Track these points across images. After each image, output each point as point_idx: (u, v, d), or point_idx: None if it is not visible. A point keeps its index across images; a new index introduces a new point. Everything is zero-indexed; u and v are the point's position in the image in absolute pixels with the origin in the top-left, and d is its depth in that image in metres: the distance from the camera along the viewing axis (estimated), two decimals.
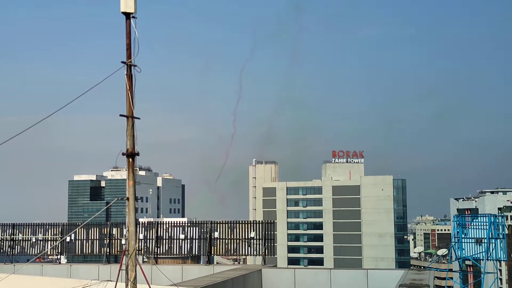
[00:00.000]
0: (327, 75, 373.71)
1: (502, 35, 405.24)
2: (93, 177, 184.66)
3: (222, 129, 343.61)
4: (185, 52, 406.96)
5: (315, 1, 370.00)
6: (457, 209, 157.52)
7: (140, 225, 37.90)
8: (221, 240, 36.96)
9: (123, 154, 12.49)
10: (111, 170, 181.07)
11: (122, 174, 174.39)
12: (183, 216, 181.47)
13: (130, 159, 12.41)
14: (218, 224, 38.39)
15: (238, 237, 36.43)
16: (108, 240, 37.28)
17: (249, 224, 38.71)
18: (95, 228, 39.05)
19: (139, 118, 12.68)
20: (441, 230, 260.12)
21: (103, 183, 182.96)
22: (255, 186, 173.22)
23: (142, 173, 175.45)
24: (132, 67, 12.64)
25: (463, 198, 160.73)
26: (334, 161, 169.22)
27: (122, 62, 12.73)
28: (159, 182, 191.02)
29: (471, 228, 41.46)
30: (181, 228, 40.19)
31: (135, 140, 12.41)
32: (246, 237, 36.21)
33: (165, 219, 77.01)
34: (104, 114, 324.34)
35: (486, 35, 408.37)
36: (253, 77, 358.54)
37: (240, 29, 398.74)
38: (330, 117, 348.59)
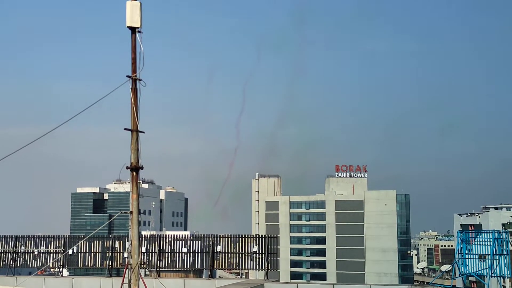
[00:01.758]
0: (330, 88, 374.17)
1: (504, 49, 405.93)
2: (96, 190, 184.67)
3: (225, 142, 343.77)
4: (189, 65, 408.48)
5: (319, 14, 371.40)
6: (461, 225, 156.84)
7: (143, 238, 37.86)
8: (223, 254, 36.87)
9: (127, 167, 12.53)
10: (114, 183, 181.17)
11: (125, 187, 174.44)
12: (185, 230, 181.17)
13: (134, 173, 12.44)
14: (221, 238, 38.29)
15: (240, 251, 36.33)
16: (110, 253, 37.21)
17: (251, 238, 38.64)
18: (97, 241, 38.98)
19: (143, 132, 12.75)
20: (445, 245, 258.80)
21: (106, 196, 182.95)
22: (258, 200, 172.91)
23: (145, 186, 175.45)
24: (137, 81, 12.74)
25: (467, 214, 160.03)
26: (337, 175, 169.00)
27: (127, 76, 12.83)
28: (162, 195, 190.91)
29: (475, 244, 41.19)
30: (183, 241, 40.12)
31: (139, 153, 12.47)
32: (249, 251, 36.12)
33: (168, 232, 77.00)
34: (108, 126, 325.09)
35: (488, 51, 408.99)
36: (257, 90, 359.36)
37: (244, 42, 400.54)
38: (333, 130, 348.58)
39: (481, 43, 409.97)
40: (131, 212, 12.75)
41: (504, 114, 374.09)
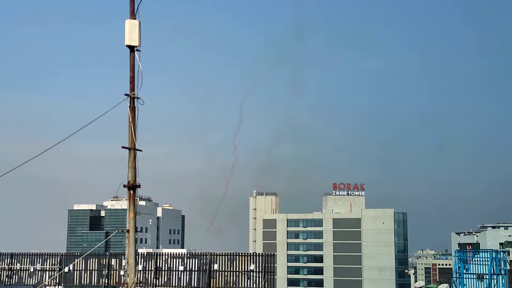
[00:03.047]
0: (328, 106, 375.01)
1: (500, 67, 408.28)
2: (93, 207, 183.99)
3: (223, 159, 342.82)
4: (187, 82, 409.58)
5: (317, 31, 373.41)
6: (459, 244, 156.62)
7: (139, 256, 37.69)
8: (220, 272, 36.71)
9: (124, 186, 12.52)
10: (111, 200, 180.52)
11: (122, 204, 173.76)
12: (182, 247, 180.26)
13: (131, 191, 12.42)
14: (218, 256, 38.14)
15: (237, 270, 36.19)
16: (106, 271, 37.03)
17: (249, 257, 38.46)
18: (93, 259, 38.81)
19: (141, 150, 12.75)
20: (443, 264, 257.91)
21: (103, 213, 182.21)
22: (255, 218, 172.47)
23: (142, 203, 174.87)
24: (135, 99, 12.78)
25: (465, 233, 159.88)
26: (335, 193, 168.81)
27: (126, 94, 12.87)
28: (159, 213, 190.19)
29: (472, 263, 41.16)
30: (180, 259, 39.92)
31: (136, 172, 12.46)
32: (246, 270, 35.97)
33: (164, 250, 76.57)
34: (105, 143, 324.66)
35: (485, 69, 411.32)
36: (254, 107, 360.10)
37: (241, 59, 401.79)
38: (331, 148, 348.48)
39: (478, 61, 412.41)
40: (128, 231, 12.73)
41: (500, 133, 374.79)
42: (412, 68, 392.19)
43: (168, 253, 46.81)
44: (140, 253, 39.08)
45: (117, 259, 39.08)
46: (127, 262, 12.49)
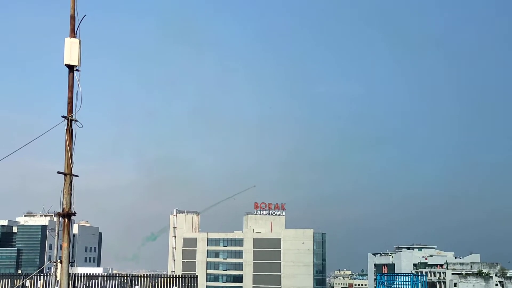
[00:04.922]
0: (253, 127, 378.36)
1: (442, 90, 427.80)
2: (5, 223, 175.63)
3: (145, 178, 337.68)
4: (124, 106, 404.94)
5: (274, 54, 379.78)
6: (375, 264, 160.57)
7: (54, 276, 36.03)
8: None
9: (58, 214, 11.71)
10: (25, 216, 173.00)
11: (36, 220, 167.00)
12: (98, 265, 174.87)
13: (66, 219, 11.62)
14: (140, 278, 37.12)
15: None
16: None
17: (171, 278, 37.66)
18: (5, 280, 36.78)
19: (77, 176, 12.00)
20: (359, 284, 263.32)
21: (15, 229, 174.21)
22: (175, 236, 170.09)
23: (56, 219, 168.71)
24: (73, 122, 12.04)
25: (381, 254, 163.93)
26: (256, 212, 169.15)
27: (63, 116, 12.10)
28: (75, 230, 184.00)
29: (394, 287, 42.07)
30: (100, 279, 38.61)
31: (72, 199, 11.67)
32: None
33: (80, 269, 73.81)
34: (16, 154, 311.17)
35: (425, 95, 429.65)
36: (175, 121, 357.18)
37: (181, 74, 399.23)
38: (253, 167, 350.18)
39: (416, 86, 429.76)
40: (61, 261, 11.90)
41: (414, 156, 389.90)
42: (354, 93, 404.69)
43: (85, 273, 45.04)
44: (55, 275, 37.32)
45: (31, 281, 37.19)
46: None
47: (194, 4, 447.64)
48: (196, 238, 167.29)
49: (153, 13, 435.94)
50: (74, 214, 12.07)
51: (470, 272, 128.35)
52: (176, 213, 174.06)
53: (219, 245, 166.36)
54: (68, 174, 12.01)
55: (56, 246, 12.23)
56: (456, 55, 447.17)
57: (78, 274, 42.69)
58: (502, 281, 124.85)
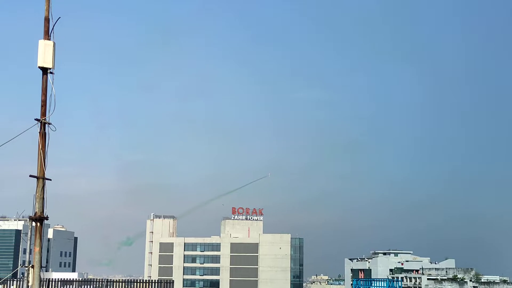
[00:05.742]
0: (234, 131, 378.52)
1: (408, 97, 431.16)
2: None
3: (123, 182, 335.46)
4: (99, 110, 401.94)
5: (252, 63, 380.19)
6: (351, 269, 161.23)
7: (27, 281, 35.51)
8: None
9: (30, 218, 11.53)
10: None
11: (10, 224, 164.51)
12: (73, 271, 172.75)
13: (38, 224, 11.44)
14: (115, 283, 36.76)
15: None
16: None
17: (147, 284, 37.36)
18: None
19: (50, 180, 11.83)
20: None
21: None
22: (152, 241, 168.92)
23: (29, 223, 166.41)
24: (47, 125, 11.88)
25: (357, 259, 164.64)
26: (234, 217, 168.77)
27: (36, 119, 11.95)
28: (50, 234, 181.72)
29: None
30: (74, 284, 38.14)
31: (45, 203, 11.49)
32: None
33: (54, 274, 72.82)
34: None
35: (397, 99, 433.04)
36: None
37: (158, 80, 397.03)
38: (231, 173, 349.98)
39: (379, 93, 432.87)
40: (32, 266, 11.70)
41: (390, 164, 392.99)
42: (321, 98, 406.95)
43: (60, 278, 44.50)
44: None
45: (5, 285, 36.62)
46: None
47: (173, 9, 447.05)
48: (173, 243, 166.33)
49: (132, 17, 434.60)
50: (47, 218, 11.88)
51: (445, 278, 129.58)
52: (153, 218, 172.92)
53: (196, 250, 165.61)
54: (41, 178, 11.84)
55: (28, 250, 12.05)
56: (426, 62, 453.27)
57: (53, 279, 42.22)
58: (477, 286, 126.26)
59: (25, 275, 12.15)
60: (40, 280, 37.66)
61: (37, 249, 11.87)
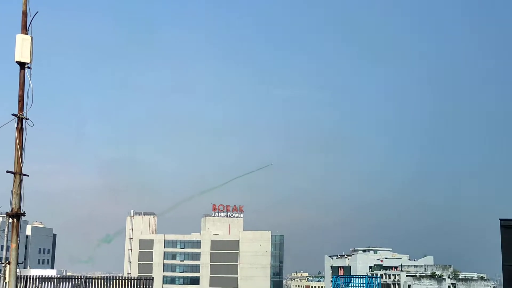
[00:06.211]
0: (213, 129, 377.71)
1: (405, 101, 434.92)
2: None
3: (103, 179, 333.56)
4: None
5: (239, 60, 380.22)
6: (331, 266, 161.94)
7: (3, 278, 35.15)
8: None
9: (7, 214, 11.45)
10: None
11: None
12: (52, 268, 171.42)
13: (15, 220, 11.35)
14: (94, 280, 36.55)
15: None
16: None
17: (126, 280, 37.20)
18: None
19: (27, 175, 11.74)
20: (315, 286, 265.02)
21: None
22: (132, 238, 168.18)
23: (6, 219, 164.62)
24: (24, 120, 11.79)
25: (337, 256, 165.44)
26: (214, 214, 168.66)
27: (13, 114, 11.84)
28: (28, 231, 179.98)
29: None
30: (53, 281, 37.85)
31: (22, 199, 11.43)
32: None
33: (32, 271, 72.13)
34: None
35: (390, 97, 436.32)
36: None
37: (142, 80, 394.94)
38: (211, 170, 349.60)
39: (374, 96, 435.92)
40: (9, 263, 11.60)
41: (372, 160, 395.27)
42: (319, 97, 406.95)
43: (38, 275, 44.13)
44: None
45: None
46: None
47: (151, 6, 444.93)
48: (153, 240, 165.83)
49: (111, 13, 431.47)
50: (24, 214, 11.81)
51: (424, 274, 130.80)
52: (133, 215, 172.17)
53: (176, 247, 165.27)
54: (18, 174, 11.76)
55: (6, 247, 11.95)
56: (418, 61, 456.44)
57: (31, 276, 41.80)
58: (455, 283, 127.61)
59: (2, 271, 12.04)
60: (17, 277, 37.31)
61: (14, 245, 11.78)
